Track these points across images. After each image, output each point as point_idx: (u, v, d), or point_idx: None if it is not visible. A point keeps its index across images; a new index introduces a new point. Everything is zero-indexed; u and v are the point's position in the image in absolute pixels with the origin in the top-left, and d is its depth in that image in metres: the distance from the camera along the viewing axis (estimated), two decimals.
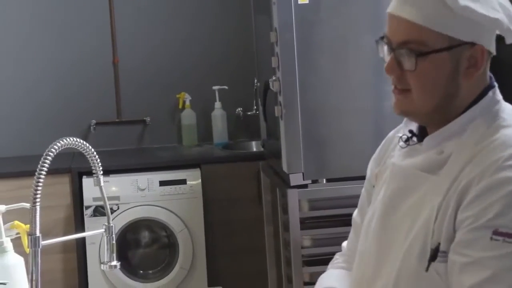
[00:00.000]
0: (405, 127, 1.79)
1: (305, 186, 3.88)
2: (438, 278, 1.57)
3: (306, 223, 3.91)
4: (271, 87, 3.88)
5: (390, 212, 1.71)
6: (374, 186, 1.85)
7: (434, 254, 1.57)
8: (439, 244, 1.58)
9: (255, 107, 5.19)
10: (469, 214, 1.55)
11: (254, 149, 5.20)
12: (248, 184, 4.75)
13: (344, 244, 2.03)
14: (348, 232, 3.91)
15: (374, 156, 1.92)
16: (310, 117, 3.81)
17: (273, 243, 4.48)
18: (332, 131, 3.83)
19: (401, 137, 1.77)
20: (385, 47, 1.66)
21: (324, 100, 3.81)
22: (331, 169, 3.87)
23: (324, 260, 3.93)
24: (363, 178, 3.83)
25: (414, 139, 1.74)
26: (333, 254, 3.89)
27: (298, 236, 3.88)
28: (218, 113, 5.24)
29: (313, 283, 3.90)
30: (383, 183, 1.78)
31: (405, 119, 1.79)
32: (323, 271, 3.88)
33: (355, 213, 1.97)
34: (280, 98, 3.81)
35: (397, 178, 1.72)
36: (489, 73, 1.71)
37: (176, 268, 4.66)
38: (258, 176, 4.67)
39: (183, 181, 4.68)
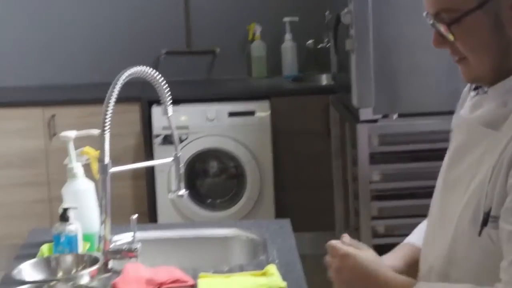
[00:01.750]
0: None
1: (375, 121, 3.84)
2: (491, 244, 1.49)
3: (375, 158, 3.89)
4: (342, 20, 3.82)
5: (452, 168, 1.62)
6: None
7: (486, 219, 1.49)
8: (490, 208, 1.49)
9: (326, 40, 5.12)
10: None
11: (324, 83, 5.15)
12: (317, 118, 4.73)
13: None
14: (417, 168, 3.89)
15: (457, 106, 1.82)
16: (383, 51, 3.74)
17: (341, 177, 4.47)
18: (405, 65, 3.76)
19: (470, 85, 1.69)
20: (429, 22, 1.60)
21: (398, 33, 3.73)
22: (403, 104, 3.81)
23: (392, 196, 3.93)
24: (436, 114, 3.82)
25: (485, 88, 1.63)
26: (402, 189, 3.90)
27: (366, 170, 3.86)
28: (288, 45, 5.19)
29: (381, 218, 3.94)
30: (452, 136, 1.71)
31: None
32: (392, 206, 3.89)
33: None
34: (352, 31, 3.75)
35: (461, 131, 1.64)
36: None
37: (244, 198, 4.69)
38: (327, 109, 4.63)
39: (251, 113, 4.67)
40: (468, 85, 1.74)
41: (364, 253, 1.67)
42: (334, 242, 1.70)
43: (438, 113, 3.82)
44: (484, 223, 1.49)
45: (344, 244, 1.70)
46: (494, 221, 1.48)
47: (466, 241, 1.52)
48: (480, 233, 1.50)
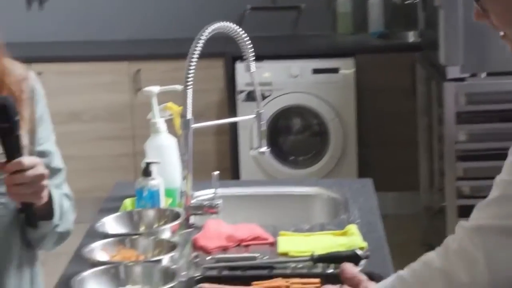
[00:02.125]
0: None
1: (463, 79, 3.75)
2: None
3: (462, 117, 3.81)
4: None
5: None
6: None
7: None
8: None
9: None
10: None
11: (411, 40, 5.04)
12: (402, 75, 4.65)
13: None
14: (506, 128, 3.79)
15: None
16: (472, 5, 3.62)
17: (426, 136, 4.40)
18: None
19: None
20: None
21: None
22: (493, 62, 3.71)
23: (479, 156, 3.85)
24: None
25: None
26: (489, 150, 3.81)
27: (452, 130, 3.79)
28: (374, 0, 5.09)
29: (467, 179, 3.87)
30: None
31: None
32: (478, 167, 3.81)
33: None
34: None
35: None
36: None
37: (326, 156, 4.66)
38: (413, 67, 4.55)
39: (336, 70, 4.62)
40: None
41: None
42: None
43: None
44: None
45: None
46: None
47: None
48: None
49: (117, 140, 4.79)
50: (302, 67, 4.63)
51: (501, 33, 1.52)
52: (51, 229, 1.67)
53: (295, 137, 4.81)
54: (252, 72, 2.26)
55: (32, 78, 1.75)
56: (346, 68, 4.62)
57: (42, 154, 1.69)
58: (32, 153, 1.67)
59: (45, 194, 1.57)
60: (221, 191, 2.28)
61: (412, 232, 4.44)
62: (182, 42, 4.80)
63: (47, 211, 1.64)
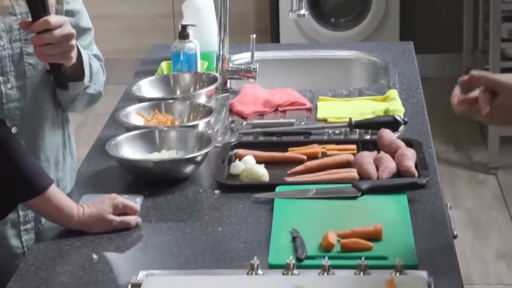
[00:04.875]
0: None
1: None
2: None
3: None
4: None
5: None
6: None
7: None
8: None
9: None
10: None
11: None
12: None
13: None
14: None
15: None
16: None
17: None
18: None
19: None
20: None
21: None
22: None
23: None
24: None
25: None
26: None
27: None
28: None
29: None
30: None
31: None
32: None
33: None
34: None
35: None
36: None
37: (368, 18, 4.55)
38: None
39: None
40: None
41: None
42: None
43: None
44: None
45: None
46: None
47: None
48: None
49: (155, 0, 4.71)
50: None
51: None
52: (81, 91, 1.65)
53: None
54: None
55: None
56: None
57: (69, 13, 1.65)
58: (59, 12, 1.63)
59: (73, 54, 1.54)
60: (259, 54, 2.24)
61: None
62: None
63: (77, 72, 1.62)
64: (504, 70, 3.72)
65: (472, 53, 4.33)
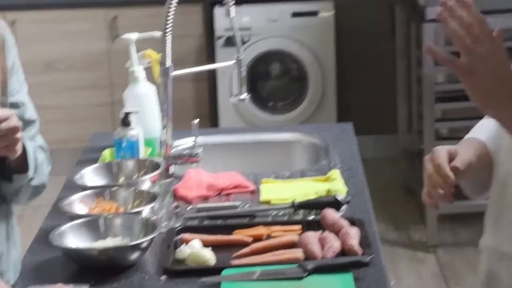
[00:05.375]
0: None
1: None
2: None
3: None
4: None
5: None
6: None
7: None
8: None
9: None
10: None
11: None
12: (381, 17, 4.62)
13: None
14: None
15: None
16: None
17: (405, 78, 4.39)
18: None
19: None
20: None
21: None
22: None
23: (458, 97, 3.84)
24: (506, 11, 3.67)
25: None
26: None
27: (431, 71, 3.78)
28: None
29: (445, 120, 3.86)
30: None
31: None
32: (457, 108, 3.80)
33: None
34: None
35: None
36: None
37: (306, 101, 4.64)
38: (392, 8, 4.51)
39: (315, 13, 4.58)
40: None
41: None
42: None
43: (508, 11, 3.70)
44: None
45: None
46: None
47: None
48: None
49: (94, 90, 4.73)
50: (281, 11, 4.58)
51: None
52: (26, 183, 1.64)
53: (274, 83, 4.78)
54: (232, 17, 2.22)
55: (1, 27, 1.70)
56: (326, 10, 4.57)
57: (14, 106, 1.65)
58: (4, 104, 1.64)
59: (19, 147, 1.54)
60: (201, 139, 2.26)
61: (391, 175, 4.46)
62: None
63: (22, 164, 1.61)
64: None
65: (407, 134, 4.42)
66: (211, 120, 4.67)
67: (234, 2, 2.23)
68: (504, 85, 1.35)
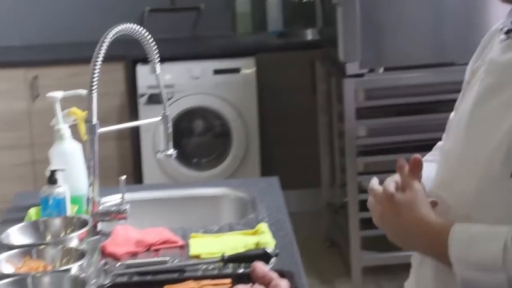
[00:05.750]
0: (508, 18, 1.61)
1: (362, 75, 3.82)
2: None
3: (361, 113, 3.87)
4: None
5: (479, 109, 1.57)
6: (469, 82, 1.71)
7: None
8: None
9: None
10: None
11: (309, 37, 5.10)
12: (302, 73, 4.70)
13: (439, 144, 1.90)
14: (403, 122, 3.89)
15: (475, 53, 1.77)
16: (369, 3, 3.70)
17: (327, 133, 4.46)
18: (391, 17, 3.74)
19: (501, 29, 1.61)
20: None
21: None
22: (389, 58, 3.79)
23: (379, 150, 3.93)
24: (422, 66, 3.81)
25: None
26: (389, 144, 3.89)
27: (353, 126, 3.86)
28: (273, 0, 5.13)
29: (368, 173, 3.93)
30: (477, 79, 1.66)
31: (509, 10, 1.63)
32: (378, 161, 3.88)
33: (452, 114, 1.83)
34: None
35: (492, 73, 1.58)
36: None
37: (230, 157, 4.67)
38: (313, 65, 4.60)
39: (237, 70, 4.64)
40: (495, 27, 1.69)
41: (407, 196, 1.56)
42: (376, 185, 1.63)
43: (423, 66, 3.82)
44: None
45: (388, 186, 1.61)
46: None
47: (496, 183, 1.49)
48: None
49: (15, 149, 4.67)
50: (203, 68, 4.62)
51: None
52: None
53: (197, 139, 4.81)
54: (157, 74, 2.25)
55: None
56: (247, 67, 4.64)
57: None
58: None
59: None
60: (128, 196, 2.25)
61: (315, 229, 4.49)
62: (80, 47, 4.76)
63: None
64: (363, 203, 3.86)
65: (330, 188, 4.48)
66: (135, 178, 4.65)
67: (160, 58, 2.25)
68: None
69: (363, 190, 3.91)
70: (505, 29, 1.61)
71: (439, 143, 1.88)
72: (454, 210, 1.58)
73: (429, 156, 1.86)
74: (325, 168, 4.52)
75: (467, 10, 3.73)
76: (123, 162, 4.70)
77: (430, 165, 1.74)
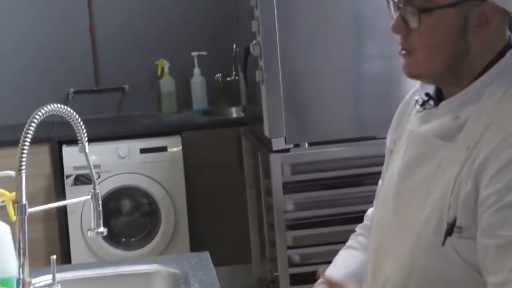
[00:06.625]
0: (422, 89, 1.67)
1: (287, 150, 3.88)
2: (455, 254, 1.50)
3: (288, 187, 3.92)
4: (251, 51, 3.86)
5: (406, 180, 1.61)
6: (392, 152, 1.76)
7: (451, 229, 1.49)
8: (455, 218, 1.49)
9: (234, 73, 5.16)
10: (492, 190, 1.44)
11: (234, 115, 5.18)
12: (229, 150, 4.75)
13: (369, 211, 1.94)
14: (329, 196, 3.95)
15: (393, 121, 1.82)
16: (291, 81, 3.79)
17: (255, 208, 4.49)
18: (313, 94, 3.83)
19: (417, 100, 1.66)
20: (391, 5, 1.59)
21: (304, 62, 3.80)
22: (313, 133, 3.87)
23: (307, 224, 3.97)
24: (345, 141, 3.90)
25: (431, 102, 1.63)
26: (316, 217, 3.94)
27: (281, 200, 3.89)
28: (197, 79, 5.21)
29: (296, 247, 3.96)
30: (399, 149, 1.70)
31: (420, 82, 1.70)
32: (307, 235, 3.92)
33: (380, 182, 1.85)
34: (261, 63, 3.79)
35: (413, 145, 1.62)
36: (508, 32, 1.60)
37: (159, 235, 4.66)
38: (239, 141, 4.66)
39: (163, 148, 4.66)
40: (409, 96, 1.76)
41: None
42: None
43: (346, 141, 3.90)
44: (449, 233, 1.50)
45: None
46: (459, 231, 1.49)
47: (429, 251, 1.52)
48: (443, 243, 1.50)
49: None
50: (129, 148, 4.63)
51: (404, 52, 1.58)
52: None
53: (126, 218, 4.78)
54: (86, 152, 2.26)
55: None
56: (174, 146, 4.67)
57: None
58: None
59: None
60: (58, 276, 2.24)
61: None
62: (1, 130, 4.72)
63: None
64: (293, 276, 3.88)
65: (261, 262, 4.48)
66: (63, 259, 4.59)
67: (87, 139, 2.27)
68: None
69: (293, 264, 3.93)
70: (420, 100, 1.66)
71: (370, 210, 1.92)
72: (392, 280, 1.61)
73: (352, 240, 1.90)
74: (255, 243, 4.53)
75: (385, 85, 3.84)
76: (50, 244, 4.63)
77: (354, 254, 1.79)
